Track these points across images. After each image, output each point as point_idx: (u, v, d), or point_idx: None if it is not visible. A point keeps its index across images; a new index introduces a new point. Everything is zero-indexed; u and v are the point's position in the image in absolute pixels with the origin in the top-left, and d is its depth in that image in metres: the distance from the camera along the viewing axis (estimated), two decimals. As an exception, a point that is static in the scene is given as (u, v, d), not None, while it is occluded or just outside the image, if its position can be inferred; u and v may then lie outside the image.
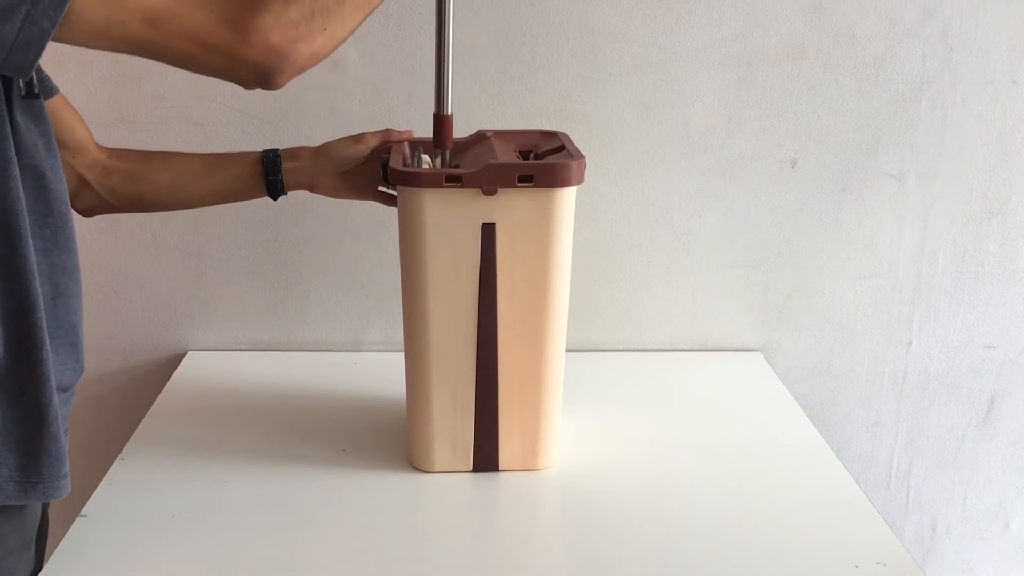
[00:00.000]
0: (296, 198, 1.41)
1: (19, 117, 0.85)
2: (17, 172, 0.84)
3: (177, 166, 1.14)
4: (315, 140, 1.19)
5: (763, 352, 1.52)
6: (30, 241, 0.86)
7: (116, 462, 1.15)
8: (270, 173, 1.13)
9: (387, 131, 1.15)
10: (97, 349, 1.46)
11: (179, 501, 1.07)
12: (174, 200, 1.15)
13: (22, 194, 0.85)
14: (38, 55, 0.77)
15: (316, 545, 1.00)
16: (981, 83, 1.42)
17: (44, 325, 0.88)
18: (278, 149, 1.14)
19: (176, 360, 1.47)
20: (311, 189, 1.16)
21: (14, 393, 0.88)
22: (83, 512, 1.04)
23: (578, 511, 1.08)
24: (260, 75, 0.84)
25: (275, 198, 1.16)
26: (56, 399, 0.89)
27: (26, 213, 0.85)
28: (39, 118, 0.89)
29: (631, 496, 1.10)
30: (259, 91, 1.37)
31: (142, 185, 1.12)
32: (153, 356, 1.49)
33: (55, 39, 0.77)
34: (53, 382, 0.89)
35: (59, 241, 0.90)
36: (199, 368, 1.43)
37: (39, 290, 0.87)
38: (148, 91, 1.37)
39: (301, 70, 0.85)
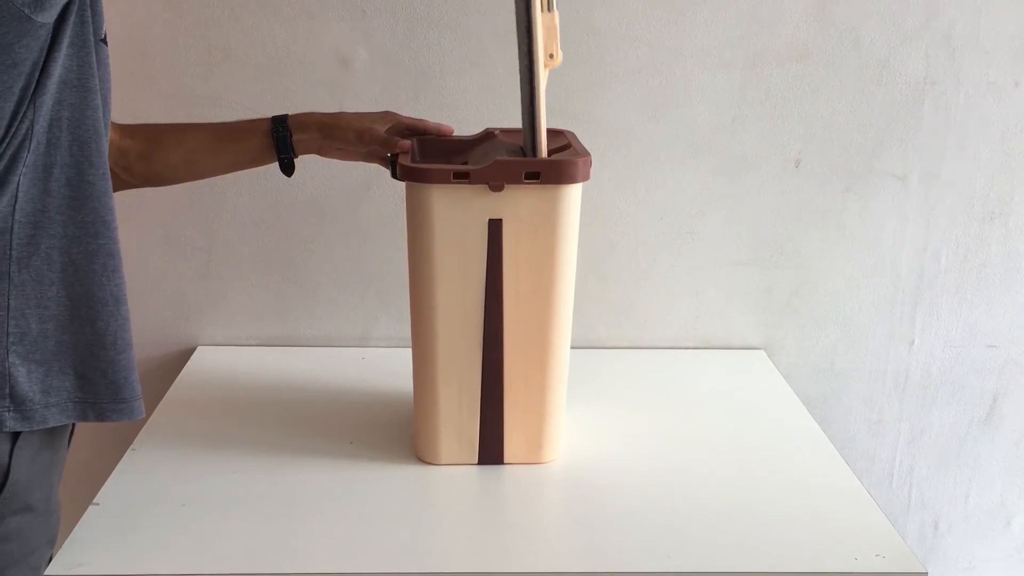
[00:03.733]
0: (305, 194, 1.44)
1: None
2: (99, 92, 0.89)
3: (188, 143, 1.15)
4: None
5: (766, 350, 1.53)
6: (106, 163, 0.90)
7: (128, 452, 1.16)
8: (281, 152, 1.14)
9: (392, 115, 1.17)
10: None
11: (189, 491, 1.08)
12: (189, 175, 1.17)
13: (100, 114, 0.89)
14: None
15: (323, 536, 1.01)
16: (984, 84, 1.43)
17: (118, 249, 0.91)
18: (287, 119, 1.14)
19: (187, 355, 1.48)
20: (319, 154, 1.18)
21: (71, 316, 0.90)
22: (95, 500, 1.05)
23: (582, 503, 1.10)
24: None
25: (288, 175, 1.17)
26: (113, 322, 0.92)
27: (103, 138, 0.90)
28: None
29: (634, 489, 1.11)
30: (267, 88, 1.39)
31: (156, 164, 1.14)
32: (164, 351, 1.50)
33: None
34: (112, 306, 0.91)
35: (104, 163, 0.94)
36: (209, 362, 1.45)
37: (113, 211, 0.90)
38: (158, 90, 1.39)
39: None
